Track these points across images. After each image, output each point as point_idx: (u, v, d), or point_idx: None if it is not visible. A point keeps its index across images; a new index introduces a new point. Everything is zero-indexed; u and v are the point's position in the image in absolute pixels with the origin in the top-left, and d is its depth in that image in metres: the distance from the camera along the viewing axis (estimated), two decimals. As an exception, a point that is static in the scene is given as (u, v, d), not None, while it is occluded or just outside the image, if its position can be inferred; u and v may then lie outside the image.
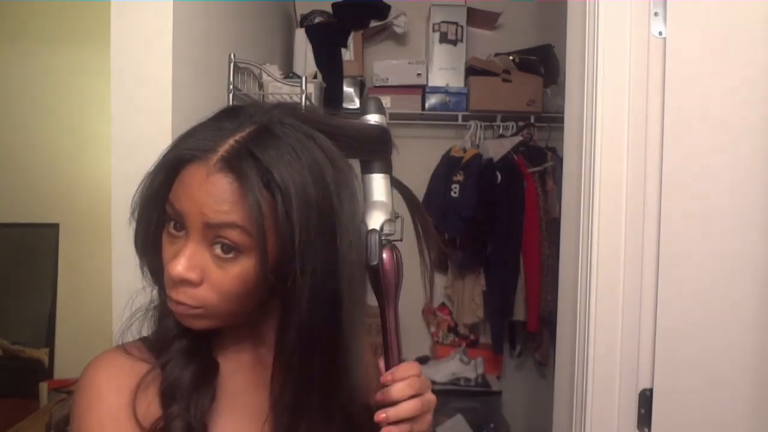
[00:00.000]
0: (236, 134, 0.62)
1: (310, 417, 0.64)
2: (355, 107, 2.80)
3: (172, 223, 0.63)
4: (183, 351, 0.67)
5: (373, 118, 0.74)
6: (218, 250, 0.61)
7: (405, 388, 0.66)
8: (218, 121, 0.65)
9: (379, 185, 0.72)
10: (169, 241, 0.64)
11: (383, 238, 0.69)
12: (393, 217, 0.70)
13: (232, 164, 0.60)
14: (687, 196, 1.09)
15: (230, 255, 0.61)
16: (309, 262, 0.60)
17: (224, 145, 0.61)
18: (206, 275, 0.62)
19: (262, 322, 0.70)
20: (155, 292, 0.71)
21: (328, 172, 0.62)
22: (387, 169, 0.73)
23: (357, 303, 0.65)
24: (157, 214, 0.66)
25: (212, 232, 0.61)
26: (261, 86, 2.03)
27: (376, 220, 0.69)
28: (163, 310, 0.69)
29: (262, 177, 0.59)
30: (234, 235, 0.60)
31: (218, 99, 1.56)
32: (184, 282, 0.62)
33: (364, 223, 0.68)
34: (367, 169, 0.72)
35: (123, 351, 0.68)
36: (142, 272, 0.71)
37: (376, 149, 0.72)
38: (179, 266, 0.61)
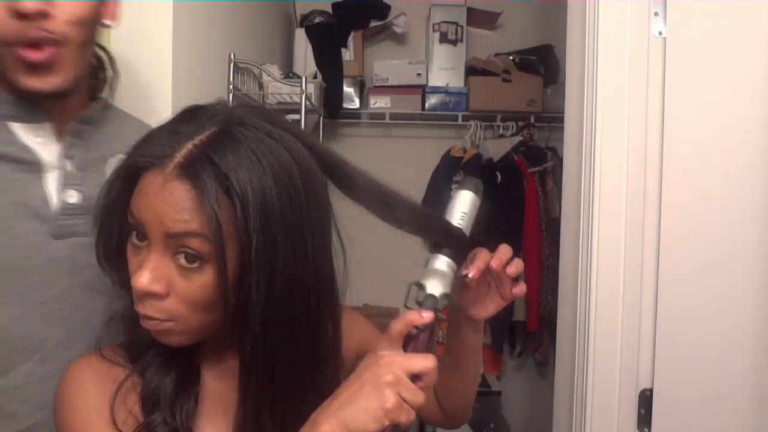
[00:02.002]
0: (194, 138, 0.59)
1: (273, 425, 0.63)
2: (355, 107, 2.80)
3: (134, 233, 0.61)
4: (162, 357, 0.66)
5: (467, 197, 0.74)
6: (182, 260, 0.59)
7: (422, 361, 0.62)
8: (176, 124, 0.62)
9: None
10: (133, 251, 0.62)
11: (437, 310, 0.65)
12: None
13: (189, 171, 0.58)
14: (687, 195, 1.09)
15: (195, 264, 0.59)
16: (266, 273, 0.58)
17: (181, 151, 0.59)
18: (172, 286, 0.60)
19: (235, 331, 0.66)
20: (128, 301, 0.69)
21: (294, 174, 0.60)
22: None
23: (323, 313, 0.64)
24: (119, 224, 0.64)
25: (174, 242, 0.59)
26: (261, 86, 2.03)
27: (436, 286, 0.66)
28: (134, 320, 0.67)
29: (220, 183, 0.57)
30: (196, 243, 0.58)
31: (218, 99, 1.56)
32: (150, 295, 0.60)
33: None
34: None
35: (99, 356, 0.67)
36: (112, 279, 0.69)
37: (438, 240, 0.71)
38: (143, 278, 0.59)
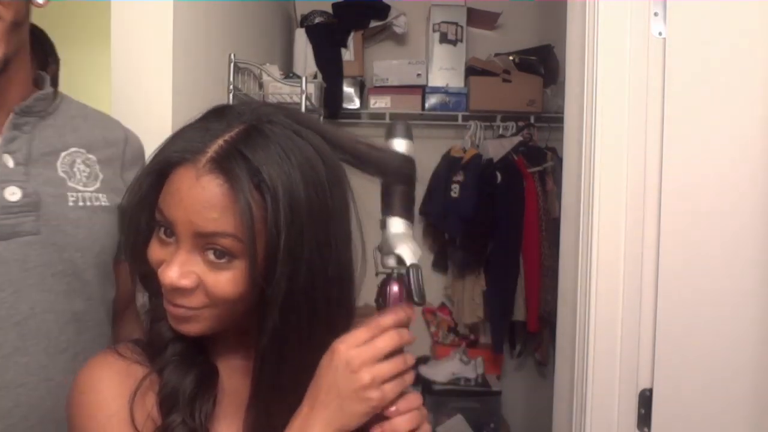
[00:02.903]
0: (225, 134, 0.60)
1: (283, 420, 0.63)
2: (355, 107, 2.80)
3: (162, 229, 0.62)
4: (181, 356, 0.66)
5: (399, 144, 0.69)
6: (211, 256, 0.60)
7: (406, 423, 0.62)
8: (206, 121, 0.63)
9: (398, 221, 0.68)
10: (159, 246, 0.63)
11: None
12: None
13: (222, 165, 0.59)
14: (687, 195, 1.09)
15: (224, 260, 0.60)
16: (291, 266, 0.59)
17: (213, 146, 0.60)
18: (200, 281, 0.60)
19: (252, 327, 0.67)
20: (146, 297, 0.70)
21: (320, 170, 0.61)
22: (409, 205, 0.69)
23: (342, 304, 0.64)
24: (146, 219, 0.64)
25: (203, 241, 0.59)
26: (261, 86, 2.03)
27: (411, 253, 0.65)
28: (155, 314, 0.68)
29: (252, 178, 0.58)
30: (225, 242, 0.59)
31: (218, 99, 1.56)
32: (178, 290, 0.61)
33: (393, 254, 0.65)
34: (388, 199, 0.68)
35: (116, 353, 0.67)
36: (133, 279, 0.70)
37: (395, 179, 0.68)
38: (172, 273, 0.60)
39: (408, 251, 0.64)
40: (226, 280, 0.60)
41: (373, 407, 0.60)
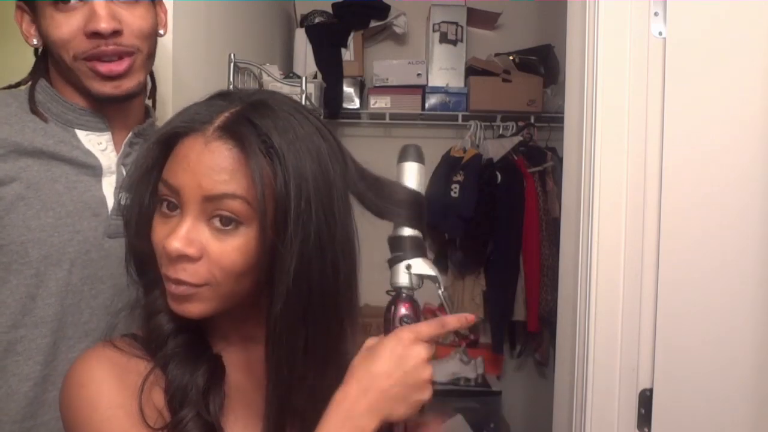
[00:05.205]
0: (232, 107, 0.62)
1: (302, 395, 0.63)
2: (355, 107, 2.80)
3: (165, 204, 0.61)
4: (184, 350, 0.65)
5: (411, 168, 0.70)
6: (217, 223, 0.59)
7: None
8: (211, 99, 0.65)
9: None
10: (162, 221, 0.62)
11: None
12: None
13: (231, 130, 0.59)
14: (687, 195, 1.09)
15: (230, 227, 0.59)
16: (301, 235, 0.59)
17: (221, 117, 0.61)
18: (205, 250, 0.59)
19: (254, 319, 0.66)
20: (141, 290, 0.68)
21: (322, 145, 0.62)
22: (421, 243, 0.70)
23: (348, 278, 0.64)
24: (149, 195, 0.64)
25: (211, 206, 0.59)
26: (261, 86, 2.03)
27: (426, 269, 0.68)
28: (152, 308, 0.66)
29: (260, 143, 0.59)
30: (234, 205, 0.59)
31: (218, 99, 1.56)
32: (183, 258, 0.59)
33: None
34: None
35: (113, 346, 0.64)
36: (127, 268, 0.68)
37: (404, 216, 0.69)
38: (176, 242, 0.58)
39: (423, 266, 0.68)
40: (233, 249, 0.59)
41: (425, 402, 0.62)
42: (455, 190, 2.62)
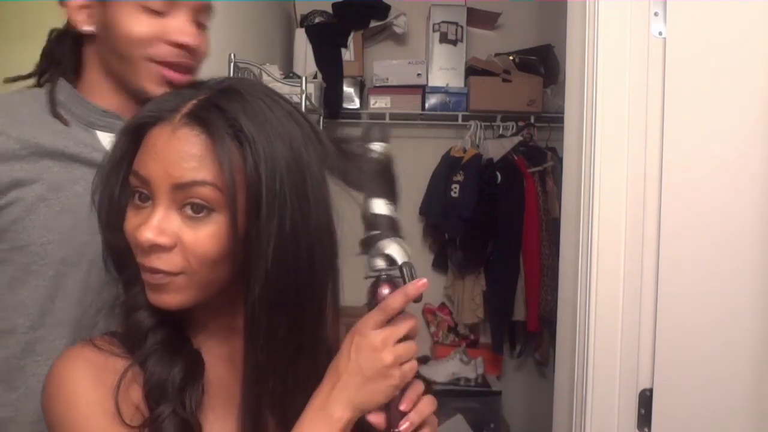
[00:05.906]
0: (198, 96, 0.61)
1: (279, 382, 0.63)
2: (355, 107, 2.80)
3: (137, 195, 0.61)
4: (163, 346, 0.64)
5: (375, 148, 0.70)
6: (189, 211, 0.59)
7: (426, 407, 0.65)
8: (180, 89, 0.65)
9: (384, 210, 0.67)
10: (135, 213, 0.62)
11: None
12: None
13: (198, 117, 0.59)
14: (687, 195, 1.09)
15: (202, 214, 0.59)
16: (275, 219, 0.58)
17: (188, 105, 0.60)
18: (179, 239, 0.59)
19: (235, 311, 0.65)
20: (121, 287, 0.68)
21: (294, 129, 0.62)
22: (392, 186, 0.69)
23: (325, 263, 0.64)
24: (120, 187, 0.64)
25: (181, 194, 0.59)
26: (261, 86, 2.03)
27: (401, 252, 0.65)
28: (131, 304, 0.65)
29: (229, 128, 0.58)
30: (204, 192, 0.58)
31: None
32: (156, 248, 0.59)
33: (382, 254, 0.65)
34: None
35: (92, 346, 0.63)
36: (106, 264, 0.68)
37: (379, 184, 0.69)
38: (148, 232, 0.58)
39: (397, 250, 0.65)
40: (206, 236, 0.59)
41: (395, 386, 0.62)
42: (455, 190, 2.62)
